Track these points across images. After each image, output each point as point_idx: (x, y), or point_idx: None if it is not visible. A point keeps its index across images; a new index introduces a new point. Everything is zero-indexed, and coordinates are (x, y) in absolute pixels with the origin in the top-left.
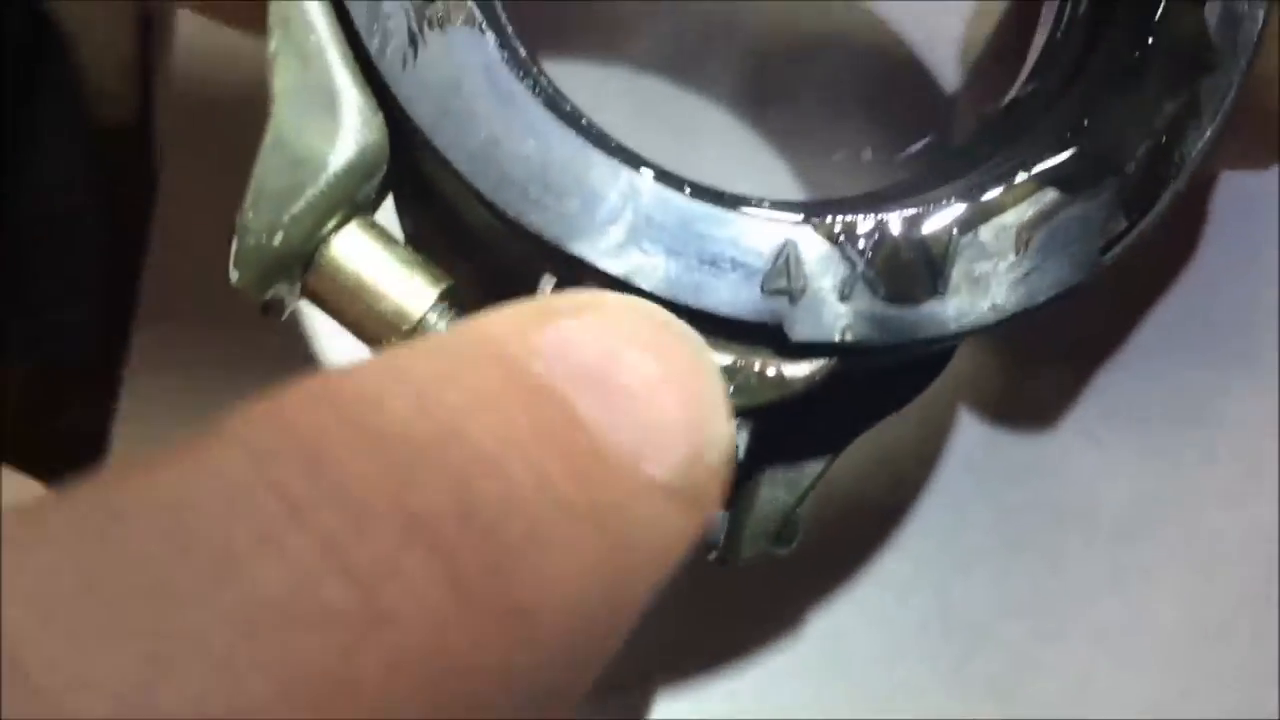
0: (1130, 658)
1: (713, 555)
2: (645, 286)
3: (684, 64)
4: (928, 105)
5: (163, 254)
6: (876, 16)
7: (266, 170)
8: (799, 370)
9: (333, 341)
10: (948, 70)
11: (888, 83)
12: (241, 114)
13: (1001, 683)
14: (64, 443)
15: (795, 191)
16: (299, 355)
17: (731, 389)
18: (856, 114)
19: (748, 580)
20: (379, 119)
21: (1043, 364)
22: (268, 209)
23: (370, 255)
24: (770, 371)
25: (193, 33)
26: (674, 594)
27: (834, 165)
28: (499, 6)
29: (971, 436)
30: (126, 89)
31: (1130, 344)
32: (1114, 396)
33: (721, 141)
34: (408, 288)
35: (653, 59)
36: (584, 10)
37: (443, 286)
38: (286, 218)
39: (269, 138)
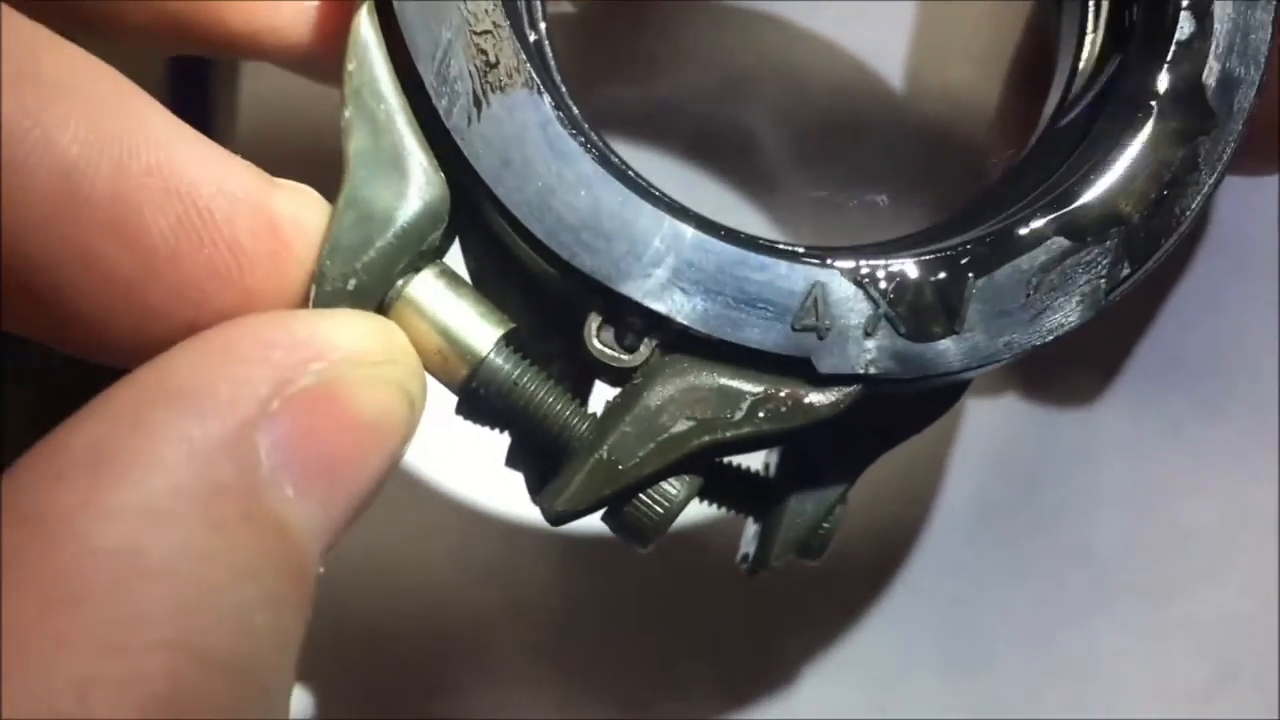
0: (1121, 674)
1: (744, 565)
2: (685, 323)
3: (701, 138)
4: (939, 165)
5: None
6: (888, 85)
7: (341, 225)
8: (826, 398)
9: None
10: (954, 129)
11: (899, 149)
12: (304, 165)
13: (1006, 694)
14: None
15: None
16: None
17: (762, 414)
18: (868, 177)
19: (780, 593)
20: (441, 177)
21: (1043, 391)
22: (343, 259)
23: (441, 299)
24: (798, 400)
25: (256, 89)
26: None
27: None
28: (554, 69)
29: (976, 463)
30: None
31: (1124, 371)
32: (1110, 424)
33: (738, 208)
34: (474, 332)
35: (674, 135)
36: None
37: (506, 329)
38: (359, 266)
39: (343, 196)
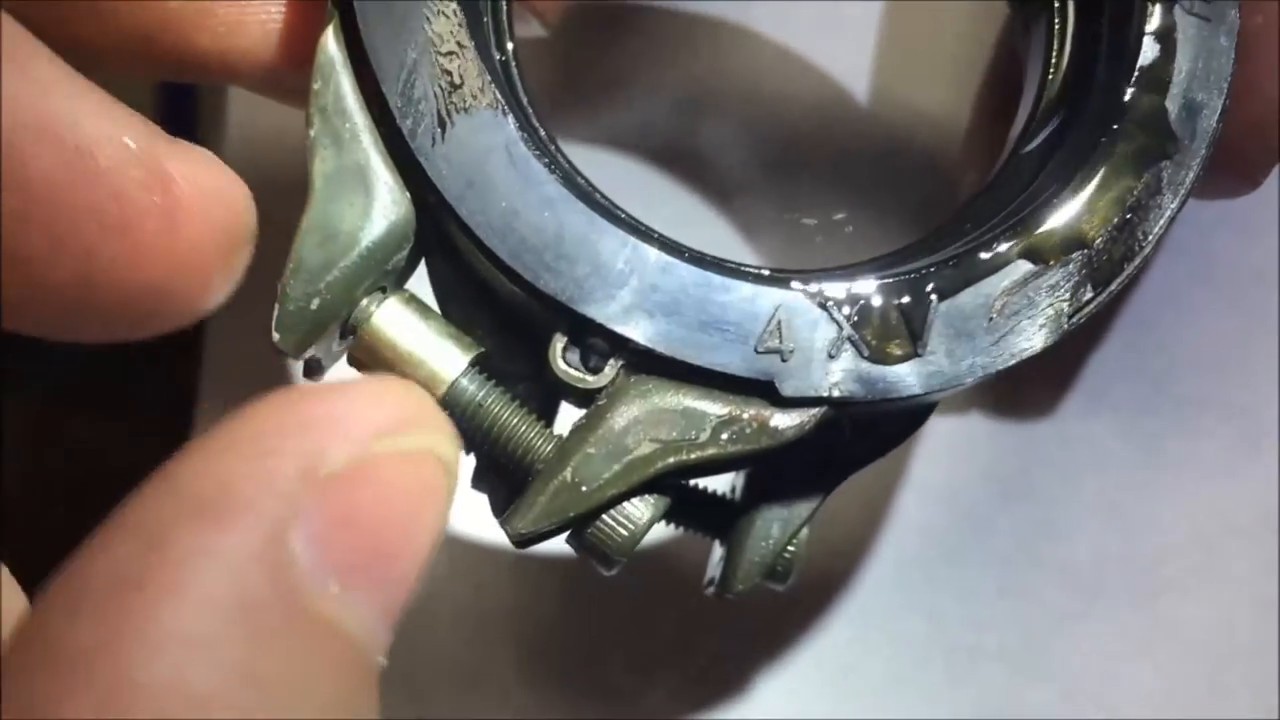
0: (1110, 680)
1: (710, 589)
2: (648, 345)
3: (670, 153)
4: (908, 180)
5: (222, 323)
6: (857, 101)
7: (305, 244)
8: (790, 420)
9: None
10: (924, 145)
11: (868, 165)
12: (291, 190)
13: (991, 700)
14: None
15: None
16: None
17: (726, 436)
18: (836, 192)
19: (755, 611)
20: (406, 197)
21: (1009, 404)
22: (306, 278)
23: (407, 327)
24: (763, 421)
25: (244, 113)
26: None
27: (814, 239)
28: (521, 89)
29: (951, 482)
30: None
31: (1098, 385)
32: (1085, 439)
33: (707, 222)
34: (441, 357)
35: (642, 150)
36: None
37: (473, 354)
38: (323, 285)
39: (308, 215)
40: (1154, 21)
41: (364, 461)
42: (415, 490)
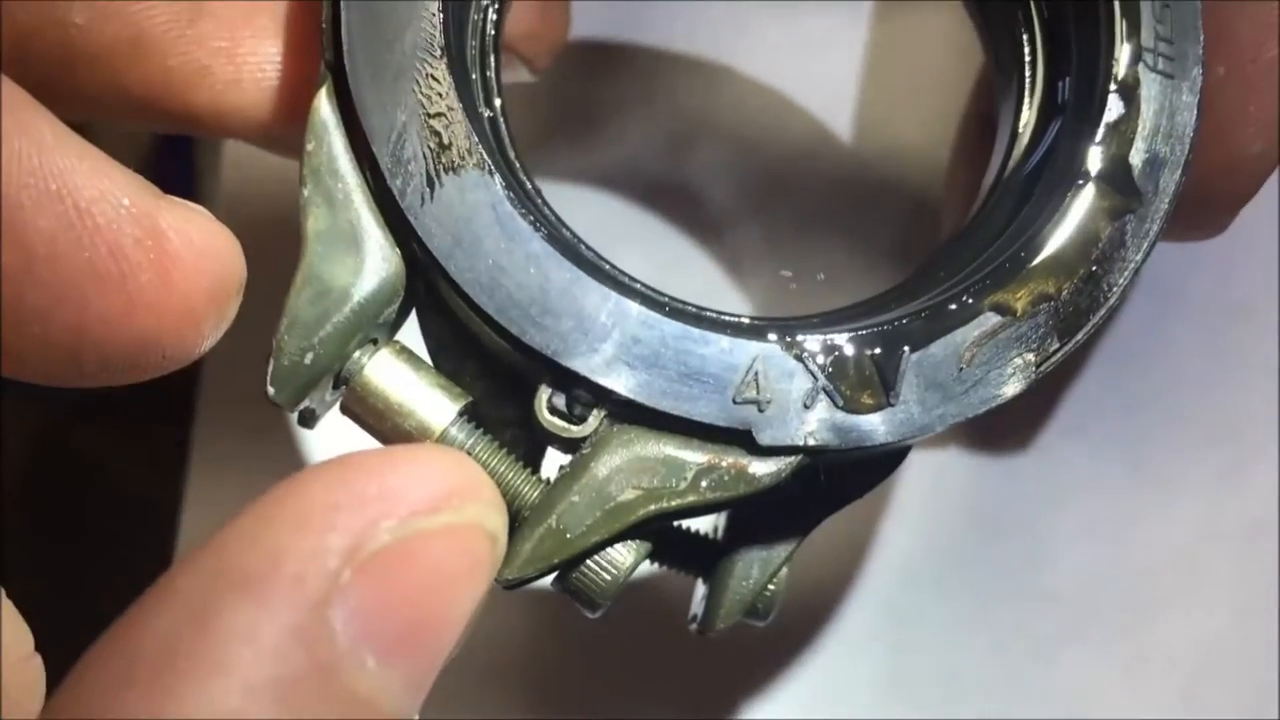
0: (1093, 702)
1: (692, 626)
2: (630, 396)
3: (657, 190)
4: (889, 218)
5: (216, 367)
6: (838, 138)
7: (299, 301)
8: (766, 468)
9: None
10: (903, 182)
11: (849, 201)
12: (287, 222)
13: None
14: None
15: (757, 308)
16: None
17: (706, 484)
18: (820, 238)
19: (749, 643)
20: (396, 254)
21: (1004, 437)
22: (300, 334)
23: (398, 378)
24: (741, 469)
25: (240, 153)
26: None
27: (790, 288)
28: (509, 144)
29: (933, 512)
30: None
31: (1083, 401)
32: (1064, 464)
33: (695, 253)
34: (430, 407)
35: (630, 188)
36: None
37: (462, 404)
38: (316, 340)
39: (301, 273)
40: (1119, 78)
41: (410, 538)
42: (459, 565)
